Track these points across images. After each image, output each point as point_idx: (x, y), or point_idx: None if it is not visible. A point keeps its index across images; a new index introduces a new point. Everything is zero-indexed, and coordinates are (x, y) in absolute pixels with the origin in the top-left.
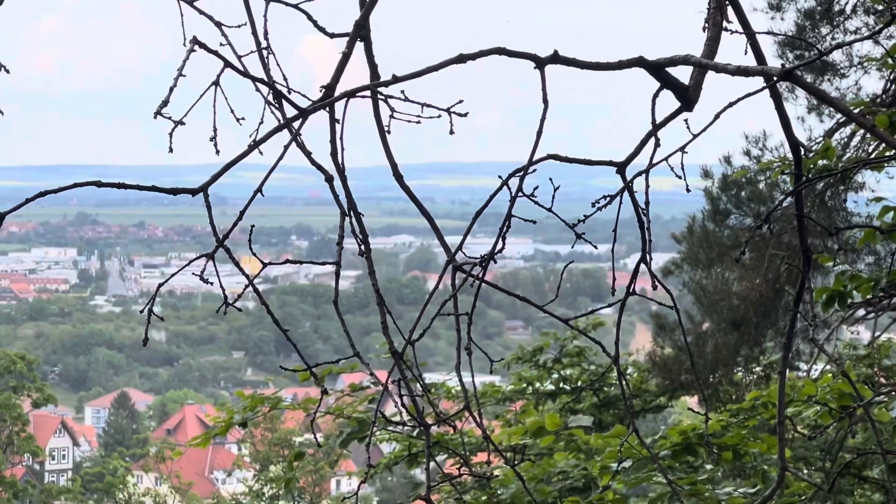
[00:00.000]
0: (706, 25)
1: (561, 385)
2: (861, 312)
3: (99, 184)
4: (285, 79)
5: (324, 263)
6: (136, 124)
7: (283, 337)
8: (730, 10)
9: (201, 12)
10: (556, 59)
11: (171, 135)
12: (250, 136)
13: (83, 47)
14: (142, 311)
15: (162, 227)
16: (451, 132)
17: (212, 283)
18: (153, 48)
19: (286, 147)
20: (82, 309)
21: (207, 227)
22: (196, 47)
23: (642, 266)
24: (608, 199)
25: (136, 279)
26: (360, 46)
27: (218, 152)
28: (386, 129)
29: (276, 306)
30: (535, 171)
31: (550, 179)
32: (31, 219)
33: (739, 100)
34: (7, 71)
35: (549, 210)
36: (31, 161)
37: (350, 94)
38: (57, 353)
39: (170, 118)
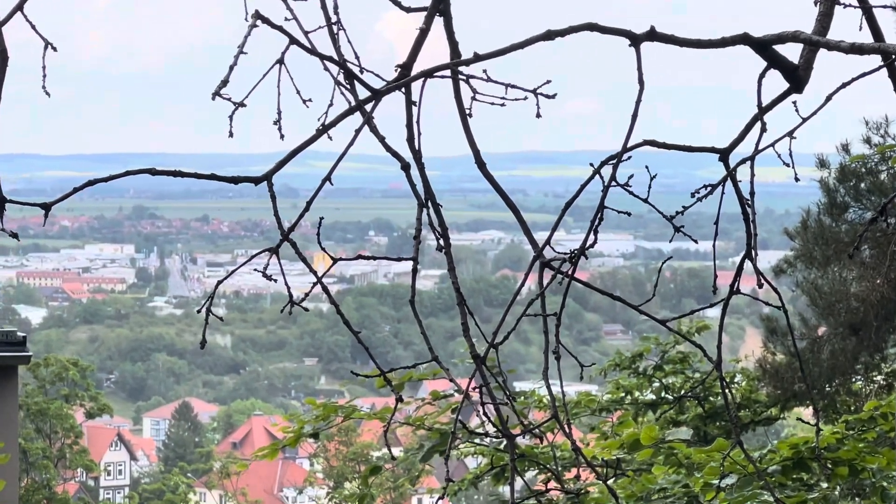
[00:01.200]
0: None
1: (662, 394)
2: None
3: (153, 171)
4: (357, 57)
5: (399, 259)
6: (198, 109)
7: (359, 342)
8: None
9: None
10: (652, 35)
11: (231, 118)
12: (318, 119)
13: (140, 25)
14: (199, 311)
15: (227, 221)
16: (538, 115)
17: (276, 281)
18: (214, 26)
19: (357, 131)
20: (140, 311)
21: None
22: (258, 22)
23: (748, 263)
24: (709, 188)
25: (199, 278)
26: (439, 22)
27: (282, 137)
28: (467, 112)
29: (351, 308)
30: (629, 158)
31: (647, 167)
32: (84, 212)
33: (853, 80)
34: (55, 49)
35: (646, 201)
36: (83, 150)
37: (427, 74)
38: (113, 359)
39: (229, 99)
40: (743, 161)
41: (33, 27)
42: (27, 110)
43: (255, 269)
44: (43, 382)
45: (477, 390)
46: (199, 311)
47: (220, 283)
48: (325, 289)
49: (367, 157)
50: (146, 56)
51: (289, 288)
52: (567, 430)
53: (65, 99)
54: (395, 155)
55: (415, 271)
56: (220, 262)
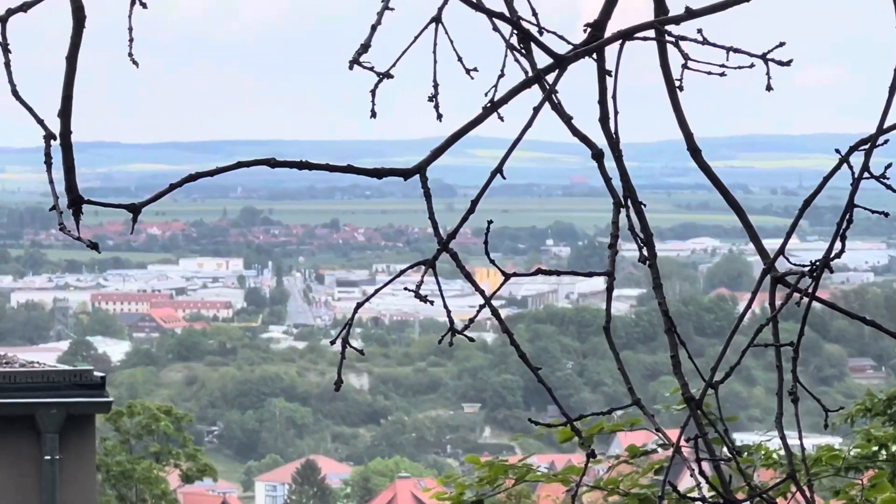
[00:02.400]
0: None
1: None
2: None
3: (273, 163)
4: (535, 14)
5: (591, 275)
6: (320, 83)
7: (533, 381)
8: None
9: None
10: None
11: (373, 93)
12: (486, 94)
13: None
14: (332, 343)
15: (363, 227)
16: (769, 88)
17: (432, 303)
18: None
19: (536, 109)
20: (251, 344)
21: (426, 227)
22: None
23: None
24: None
25: (328, 301)
26: None
27: (440, 117)
28: (677, 83)
29: (524, 339)
30: (886, 142)
31: None
32: (178, 217)
33: None
34: (144, 6)
35: None
36: (175, 136)
37: (626, 36)
38: (216, 407)
39: (371, 69)
40: None
41: None
42: (104, 87)
43: (406, 289)
44: (126, 436)
45: (690, 443)
46: (332, 343)
47: (360, 304)
48: (495, 313)
49: (544, 145)
50: (251, 17)
51: (449, 312)
52: (808, 495)
53: (157, 70)
54: (585, 140)
55: (610, 289)
56: (353, 280)
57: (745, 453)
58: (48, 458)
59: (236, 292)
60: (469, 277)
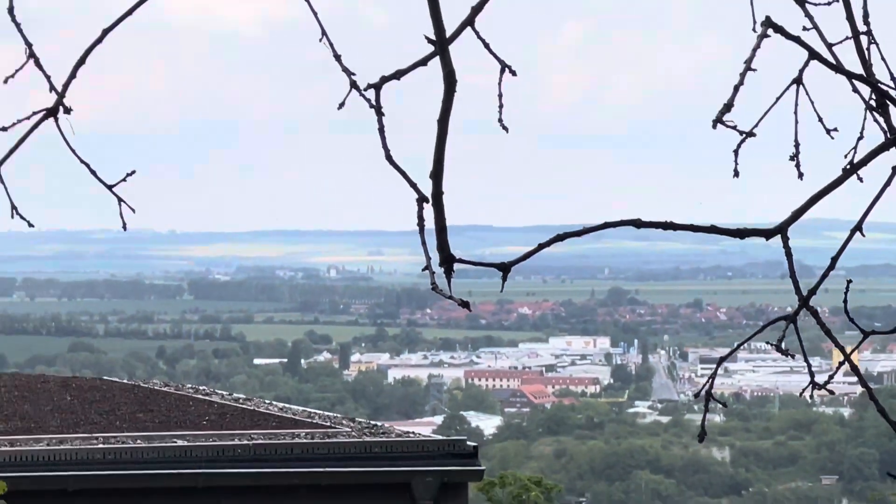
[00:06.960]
0: None
1: None
2: None
3: (639, 223)
4: (893, 77)
5: None
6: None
7: (889, 454)
8: None
9: None
10: None
11: (736, 152)
12: (845, 156)
13: None
14: (696, 396)
15: (725, 307)
16: None
17: (793, 356)
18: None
19: None
20: (618, 419)
21: (786, 306)
22: (770, 31)
23: None
24: None
25: (691, 378)
26: None
27: (801, 175)
28: None
29: (875, 418)
30: None
31: None
32: (548, 297)
33: None
34: (513, 73)
35: None
36: (553, 218)
37: None
38: (584, 479)
39: (734, 128)
40: None
41: None
42: (473, 170)
43: (769, 342)
44: None
45: None
46: (696, 396)
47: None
48: (855, 370)
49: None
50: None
51: (810, 366)
52: None
53: (521, 152)
54: None
55: None
56: (716, 358)
57: None
58: None
59: (603, 369)
60: (829, 334)
